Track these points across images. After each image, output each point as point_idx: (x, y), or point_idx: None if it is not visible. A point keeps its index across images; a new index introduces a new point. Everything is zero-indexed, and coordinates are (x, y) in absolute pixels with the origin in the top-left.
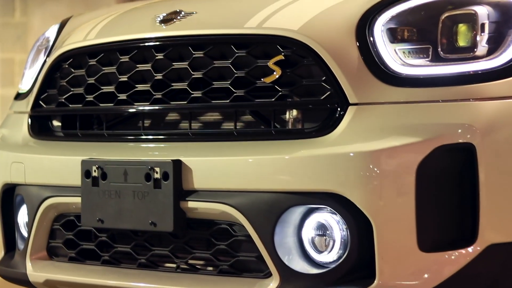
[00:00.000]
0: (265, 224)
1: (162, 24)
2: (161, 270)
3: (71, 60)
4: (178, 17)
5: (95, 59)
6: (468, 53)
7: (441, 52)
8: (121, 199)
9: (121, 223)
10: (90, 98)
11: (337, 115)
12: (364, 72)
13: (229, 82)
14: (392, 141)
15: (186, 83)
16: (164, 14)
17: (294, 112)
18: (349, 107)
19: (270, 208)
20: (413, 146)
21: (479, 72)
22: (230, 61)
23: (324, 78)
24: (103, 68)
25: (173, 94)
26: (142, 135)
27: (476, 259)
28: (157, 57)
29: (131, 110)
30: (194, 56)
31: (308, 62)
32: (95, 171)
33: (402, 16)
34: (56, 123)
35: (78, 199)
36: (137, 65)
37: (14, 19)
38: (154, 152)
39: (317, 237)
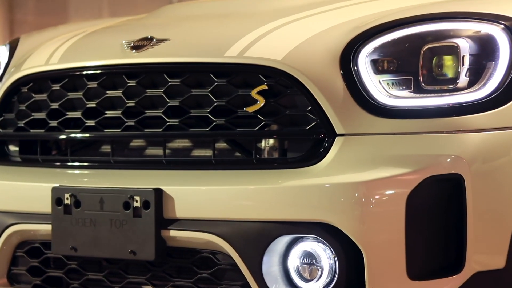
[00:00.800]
0: (253, 253)
1: (133, 51)
2: None
3: (31, 84)
4: (151, 44)
5: (59, 84)
6: (450, 85)
7: (423, 84)
8: (96, 227)
9: (97, 251)
10: (53, 123)
11: (324, 145)
12: (350, 103)
13: (208, 110)
14: (382, 172)
15: (161, 111)
16: (134, 40)
17: (273, 141)
18: (337, 138)
19: (258, 237)
20: (403, 177)
21: (463, 104)
22: (209, 90)
23: (309, 108)
24: (68, 94)
25: (144, 121)
26: (112, 162)
27: (464, 285)
28: (129, 84)
29: (101, 137)
30: (169, 83)
31: (292, 92)
32: (67, 198)
33: (385, 48)
34: (12, 148)
35: (45, 226)
36: (107, 92)
37: None
38: (132, 180)
39: (304, 265)
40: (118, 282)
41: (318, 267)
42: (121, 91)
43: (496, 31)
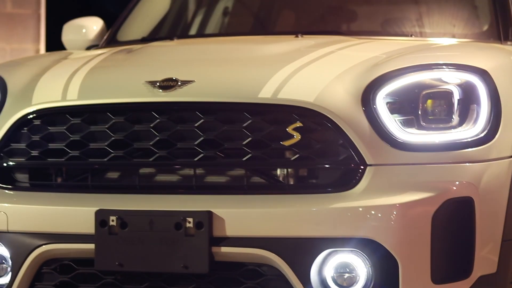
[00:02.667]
0: (302, 265)
1: (161, 90)
2: None
3: (45, 117)
4: (179, 84)
5: (80, 118)
6: (446, 124)
7: (423, 123)
8: (144, 245)
9: (145, 267)
10: (75, 153)
11: (358, 173)
12: (374, 137)
13: (244, 143)
14: (411, 196)
15: (195, 143)
16: (158, 80)
17: (306, 170)
18: (368, 167)
19: (307, 251)
20: (429, 199)
21: (462, 140)
22: (243, 125)
23: (341, 142)
24: (91, 127)
25: (174, 153)
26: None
27: (472, 287)
28: (159, 120)
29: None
30: (203, 120)
31: (323, 128)
32: (112, 220)
33: (395, 92)
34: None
35: (81, 246)
36: (135, 125)
37: None
38: (184, 203)
39: (345, 274)
40: None
41: (357, 276)
42: (151, 126)
43: (476, 80)
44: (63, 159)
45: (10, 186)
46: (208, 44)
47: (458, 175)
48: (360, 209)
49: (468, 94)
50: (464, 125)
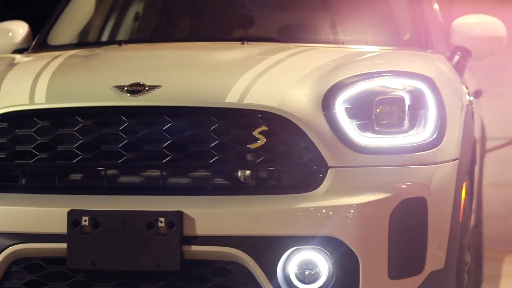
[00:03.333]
0: (270, 262)
1: (129, 94)
2: None
3: (13, 120)
4: (146, 89)
5: (49, 121)
6: (398, 128)
7: (377, 128)
8: (117, 244)
9: (118, 265)
10: (43, 155)
11: (320, 175)
12: (335, 141)
13: (212, 146)
14: (370, 196)
15: (163, 146)
16: (126, 85)
17: (269, 171)
18: (329, 169)
19: (274, 249)
20: (386, 199)
21: (414, 144)
22: (210, 129)
23: (304, 145)
24: (59, 130)
25: (143, 155)
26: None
27: (423, 282)
28: (127, 123)
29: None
30: (170, 123)
31: (287, 132)
32: (85, 220)
33: (352, 98)
34: None
35: (53, 245)
36: (104, 128)
37: None
38: (155, 204)
39: (308, 271)
40: None
41: (319, 272)
42: (120, 129)
43: (424, 87)
44: (31, 161)
45: None
46: (166, 49)
47: (412, 176)
48: (323, 209)
49: (417, 100)
50: (414, 129)
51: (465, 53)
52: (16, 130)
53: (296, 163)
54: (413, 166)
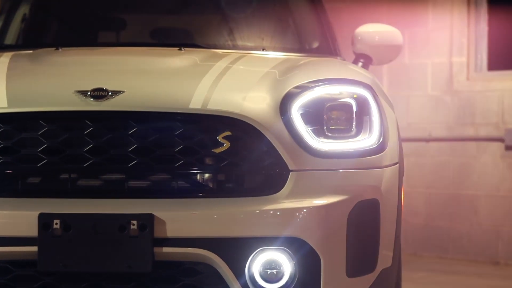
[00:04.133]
0: (238, 263)
1: (92, 99)
2: None
3: None
4: (110, 94)
5: (11, 125)
6: (346, 134)
7: (328, 133)
8: (88, 247)
9: (90, 267)
10: (7, 159)
11: (281, 178)
12: (294, 145)
13: (176, 150)
14: (330, 198)
15: (129, 149)
16: (88, 90)
17: (232, 175)
18: (290, 173)
19: (242, 250)
20: (345, 201)
21: (364, 149)
22: (175, 133)
23: (265, 149)
24: (22, 134)
25: (109, 159)
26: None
27: (376, 280)
28: (93, 128)
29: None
30: (136, 128)
31: (249, 137)
32: (56, 223)
33: (305, 104)
34: None
35: (21, 248)
36: (67, 133)
37: None
38: (126, 207)
39: (271, 270)
40: None
41: (282, 271)
42: (85, 133)
43: (367, 93)
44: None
45: None
46: (113, 54)
47: (365, 179)
48: (287, 210)
49: (362, 107)
50: (361, 135)
51: (367, 60)
52: None
53: (259, 166)
54: (365, 170)
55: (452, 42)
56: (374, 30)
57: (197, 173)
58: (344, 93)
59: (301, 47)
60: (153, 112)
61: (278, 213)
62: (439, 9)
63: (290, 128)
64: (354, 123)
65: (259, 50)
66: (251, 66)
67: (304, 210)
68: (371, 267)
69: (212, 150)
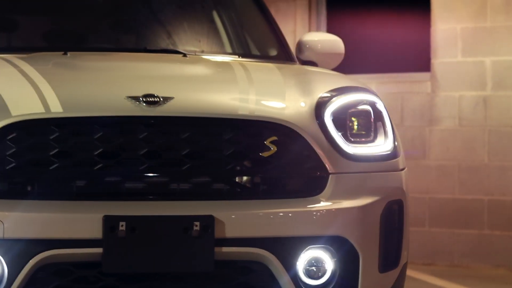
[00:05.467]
0: (291, 261)
1: (145, 105)
2: None
3: (28, 128)
4: (161, 100)
5: (67, 130)
6: (367, 138)
7: (351, 138)
8: (152, 248)
9: (155, 268)
10: (61, 163)
11: (323, 181)
12: (330, 150)
13: (228, 154)
14: (366, 199)
15: (183, 153)
16: (140, 95)
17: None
18: (330, 175)
19: (294, 249)
20: (378, 201)
21: (385, 153)
22: (227, 138)
23: (307, 153)
24: (77, 138)
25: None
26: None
27: (399, 275)
28: (148, 132)
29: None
30: (190, 133)
31: (293, 141)
32: (122, 225)
33: (335, 111)
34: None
35: (85, 250)
36: (122, 137)
37: None
38: (188, 208)
39: (315, 268)
40: None
41: (325, 269)
42: (140, 137)
43: (378, 101)
44: (57, 169)
45: (5, 195)
46: (143, 61)
47: (391, 181)
48: (332, 211)
49: (377, 114)
50: (378, 140)
51: (313, 66)
52: (33, 138)
53: (302, 169)
54: (390, 172)
55: None
56: (319, 39)
57: (250, 176)
58: (364, 100)
59: (267, 54)
60: (205, 118)
61: (324, 213)
62: (282, 15)
63: (326, 133)
64: (372, 129)
65: (235, 55)
66: (264, 74)
67: (347, 211)
68: (396, 263)
69: (261, 154)
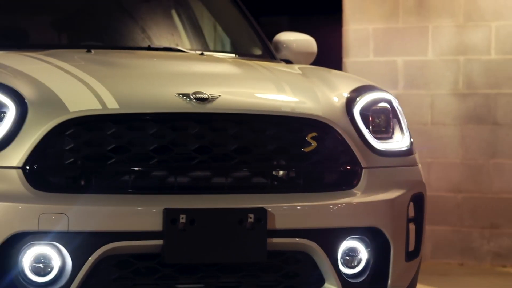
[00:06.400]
0: (333, 251)
1: (195, 101)
2: None
3: (86, 124)
4: (210, 97)
5: (123, 125)
6: (387, 134)
7: (373, 134)
8: (210, 239)
9: (212, 258)
10: (119, 158)
11: (358, 175)
12: (361, 145)
13: (273, 149)
14: (395, 192)
15: (232, 149)
16: (190, 93)
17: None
18: (363, 170)
19: (336, 240)
20: (405, 194)
21: (405, 148)
22: (272, 134)
23: (342, 149)
24: (133, 133)
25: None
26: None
27: (419, 263)
28: (199, 128)
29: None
30: (235, 128)
31: (330, 137)
32: (182, 218)
33: (362, 108)
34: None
35: (146, 242)
36: (175, 133)
37: None
38: (242, 201)
39: (351, 258)
40: (211, 283)
41: (360, 258)
42: (193, 133)
43: (393, 98)
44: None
45: (68, 189)
46: (176, 59)
47: (414, 175)
48: (369, 203)
49: (394, 111)
50: (396, 136)
51: None
52: (91, 133)
53: (339, 164)
54: (411, 167)
55: None
56: (294, 38)
57: (295, 170)
58: (383, 98)
59: (252, 53)
60: (252, 115)
61: (363, 205)
62: None
63: (357, 129)
64: (391, 126)
65: (232, 54)
66: (286, 73)
67: (381, 203)
68: (418, 252)
69: (303, 149)
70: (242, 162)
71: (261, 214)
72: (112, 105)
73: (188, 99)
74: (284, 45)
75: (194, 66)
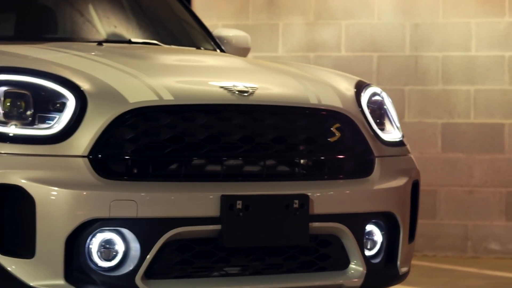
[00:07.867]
0: (360, 234)
1: (238, 93)
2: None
3: (145, 114)
4: (250, 90)
5: (178, 116)
6: (381, 126)
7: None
8: (262, 223)
9: (263, 242)
10: (176, 147)
11: (372, 163)
12: (371, 135)
13: (305, 139)
14: (403, 179)
15: (269, 139)
16: (231, 86)
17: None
18: (376, 158)
19: (360, 223)
20: (409, 181)
21: (399, 139)
22: (304, 124)
23: (359, 138)
24: (186, 123)
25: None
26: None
27: (414, 247)
28: (243, 119)
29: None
30: (274, 119)
31: (349, 128)
32: (238, 204)
33: (367, 101)
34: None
35: (205, 227)
36: (223, 123)
37: None
38: (287, 187)
39: (369, 241)
40: (257, 265)
41: (376, 240)
42: (235, 123)
43: (384, 93)
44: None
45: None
46: (198, 54)
47: (412, 164)
48: (386, 189)
49: (387, 104)
50: (389, 127)
51: None
52: (149, 123)
53: (359, 153)
54: (409, 156)
55: None
56: (233, 34)
57: (326, 159)
58: (377, 92)
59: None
60: (286, 107)
61: (383, 191)
62: None
63: (367, 121)
64: (384, 118)
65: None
66: (290, 67)
67: (395, 189)
68: (414, 235)
69: (329, 139)
70: (282, 151)
71: (304, 199)
72: (168, 97)
73: (231, 91)
74: (225, 41)
75: (217, 61)
